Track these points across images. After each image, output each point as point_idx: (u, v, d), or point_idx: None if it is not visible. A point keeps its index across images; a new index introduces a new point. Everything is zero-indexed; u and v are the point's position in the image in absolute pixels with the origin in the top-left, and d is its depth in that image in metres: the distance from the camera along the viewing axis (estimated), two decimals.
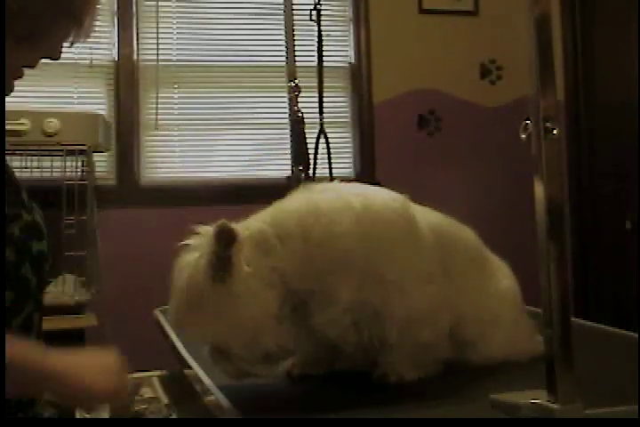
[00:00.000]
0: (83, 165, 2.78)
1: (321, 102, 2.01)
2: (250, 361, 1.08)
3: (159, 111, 3.27)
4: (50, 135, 2.62)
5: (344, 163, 3.40)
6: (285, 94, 1.92)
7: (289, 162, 1.96)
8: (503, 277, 1.30)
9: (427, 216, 1.20)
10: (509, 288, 1.30)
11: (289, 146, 1.97)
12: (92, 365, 0.99)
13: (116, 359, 1.02)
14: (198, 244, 1.08)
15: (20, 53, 1.02)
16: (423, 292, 1.12)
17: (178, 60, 3.33)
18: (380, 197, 1.16)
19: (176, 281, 1.08)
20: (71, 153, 2.68)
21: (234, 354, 1.07)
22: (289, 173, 1.94)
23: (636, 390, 0.99)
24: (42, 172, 2.74)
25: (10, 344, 0.90)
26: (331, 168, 2.09)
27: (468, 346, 1.20)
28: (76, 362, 0.99)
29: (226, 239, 1.04)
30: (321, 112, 2.02)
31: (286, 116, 1.97)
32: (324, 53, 2.02)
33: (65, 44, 1.05)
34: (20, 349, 0.92)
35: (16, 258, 0.99)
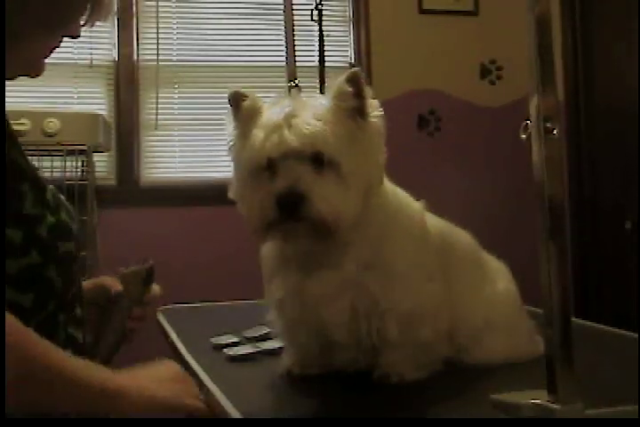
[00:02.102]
0: (83, 165, 2.78)
1: None
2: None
3: (159, 111, 3.27)
4: (50, 135, 2.62)
5: None
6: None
7: None
8: (501, 279, 1.30)
9: (431, 220, 1.23)
10: (507, 290, 1.30)
11: None
12: (158, 379, 0.98)
13: (178, 370, 1.02)
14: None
15: (49, 38, 1.07)
16: (425, 289, 1.13)
17: (178, 60, 3.33)
18: (405, 195, 1.21)
19: (300, 103, 1.08)
20: (71, 153, 2.69)
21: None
22: None
23: (636, 390, 0.99)
24: (42, 172, 2.73)
25: (75, 362, 0.89)
26: None
27: (465, 349, 1.20)
28: (143, 379, 0.97)
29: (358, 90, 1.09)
30: None
31: None
32: (325, 53, 2.02)
33: (87, 25, 1.07)
34: (84, 366, 0.90)
35: (41, 260, 0.98)
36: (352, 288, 1.10)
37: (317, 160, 1.03)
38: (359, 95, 1.08)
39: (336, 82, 1.09)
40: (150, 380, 0.97)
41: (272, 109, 1.09)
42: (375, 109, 1.11)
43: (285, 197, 1.01)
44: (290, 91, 1.87)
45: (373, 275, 1.10)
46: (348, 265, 1.10)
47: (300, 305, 1.13)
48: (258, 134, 1.07)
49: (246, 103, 1.12)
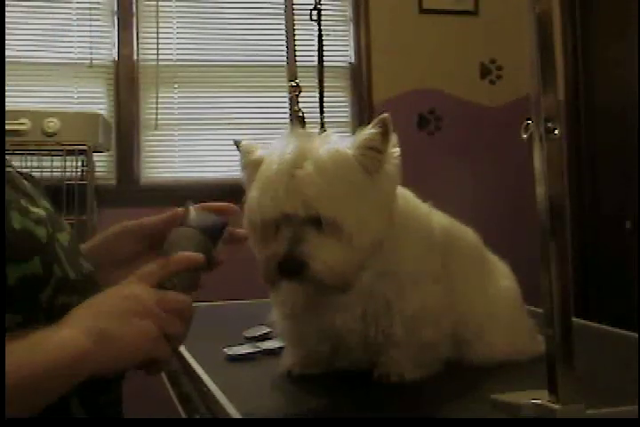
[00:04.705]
0: (83, 165, 2.78)
1: (322, 102, 2.00)
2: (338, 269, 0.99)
3: (159, 111, 3.27)
4: (50, 135, 2.62)
5: None
6: (285, 94, 1.92)
7: None
8: (503, 277, 1.30)
9: (436, 218, 1.21)
10: (509, 289, 1.30)
11: None
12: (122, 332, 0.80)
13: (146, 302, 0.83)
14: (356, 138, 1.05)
15: None
16: (433, 290, 1.13)
17: (178, 60, 3.33)
18: (411, 196, 1.19)
19: (311, 154, 1.00)
20: (71, 153, 2.69)
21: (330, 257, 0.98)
22: None
23: (637, 391, 0.99)
24: (42, 172, 2.74)
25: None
26: None
27: (467, 346, 1.20)
28: (104, 335, 0.79)
29: (385, 134, 1.04)
30: (322, 112, 2.01)
31: (286, 116, 1.97)
32: (324, 53, 2.02)
33: None
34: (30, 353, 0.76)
35: None
36: (366, 296, 1.10)
37: (316, 221, 0.99)
38: (384, 144, 1.04)
39: (367, 132, 1.04)
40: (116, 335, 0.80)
41: (272, 158, 1.03)
42: (394, 158, 1.06)
43: (285, 262, 0.98)
44: (290, 90, 1.86)
45: (386, 282, 1.10)
46: (364, 274, 1.08)
47: (313, 313, 1.12)
48: (253, 193, 1.03)
49: (245, 159, 1.09)
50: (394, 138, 1.05)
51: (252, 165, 1.07)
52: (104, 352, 0.79)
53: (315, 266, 0.98)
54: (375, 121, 1.04)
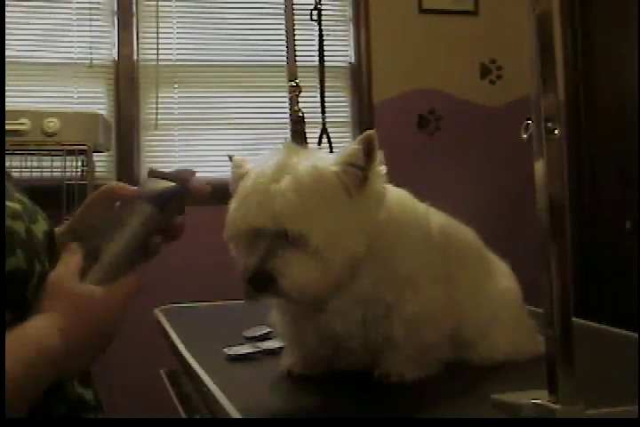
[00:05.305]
0: (83, 165, 2.78)
1: (323, 102, 2.01)
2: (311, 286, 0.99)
3: (159, 111, 3.27)
4: (50, 135, 2.63)
5: None
6: (285, 94, 1.92)
7: None
8: (503, 277, 1.30)
9: (434, 217, 1.21)
10: (509, 288, 1.30)
11: None
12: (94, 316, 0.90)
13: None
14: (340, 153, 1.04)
15: None
16: (432, 291, 1.13)
17: (178, 60, 3.33)
18: (408, 198, 1.18)
19: (295, 173, 1.00)
20: (71, 153, 2.69)
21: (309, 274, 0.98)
22: None
23: (636, 390, 0.99)
24: (42, 172, 2.74)
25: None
26: None
27: (468, 346, 1.20)
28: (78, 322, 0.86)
29: (369, 151, 1.02)
30: (323, 112, 2.02)
31: (286, 115, 1.97)
32: (324, 53, 2.02)
33: None
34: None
35: None
36: (365, 300, 1.10)
37: (287, 237, 0.99)
38: (368, 162, 1.02)
39: (350, 148, 1.02)
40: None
41: (255, 171, 1.04)
42: (379, 177, 1.05)
43: (254, 277, 0.99)
44: (290, 90, 1.86)
45: (385, 285, 1.10)
46: (362, 280, 1.08)
47: (312, 317, 1.12)
48: (231, 205, 1.05)
49: (234, 172, 1.10)
50: (379, 155, 1.03)
51: (239, 179, 1.08)
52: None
53: (282, 282, 0.98)
54: (359, 138, 1.03)
